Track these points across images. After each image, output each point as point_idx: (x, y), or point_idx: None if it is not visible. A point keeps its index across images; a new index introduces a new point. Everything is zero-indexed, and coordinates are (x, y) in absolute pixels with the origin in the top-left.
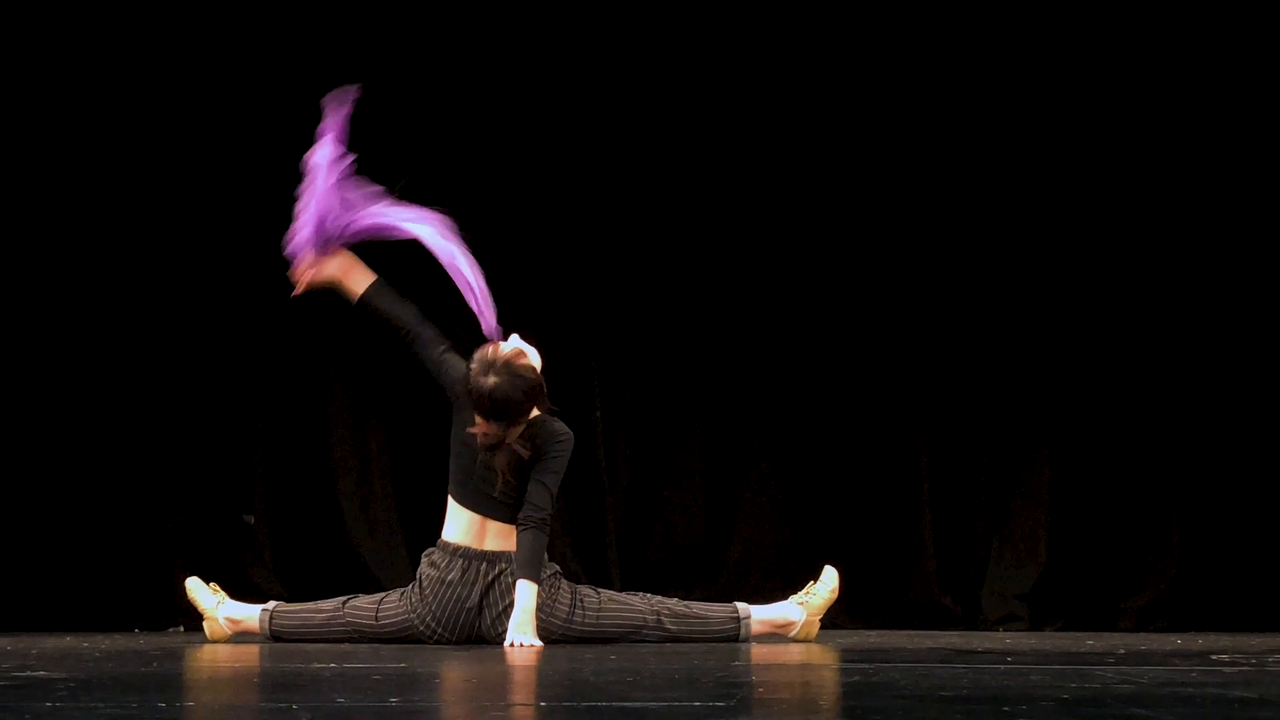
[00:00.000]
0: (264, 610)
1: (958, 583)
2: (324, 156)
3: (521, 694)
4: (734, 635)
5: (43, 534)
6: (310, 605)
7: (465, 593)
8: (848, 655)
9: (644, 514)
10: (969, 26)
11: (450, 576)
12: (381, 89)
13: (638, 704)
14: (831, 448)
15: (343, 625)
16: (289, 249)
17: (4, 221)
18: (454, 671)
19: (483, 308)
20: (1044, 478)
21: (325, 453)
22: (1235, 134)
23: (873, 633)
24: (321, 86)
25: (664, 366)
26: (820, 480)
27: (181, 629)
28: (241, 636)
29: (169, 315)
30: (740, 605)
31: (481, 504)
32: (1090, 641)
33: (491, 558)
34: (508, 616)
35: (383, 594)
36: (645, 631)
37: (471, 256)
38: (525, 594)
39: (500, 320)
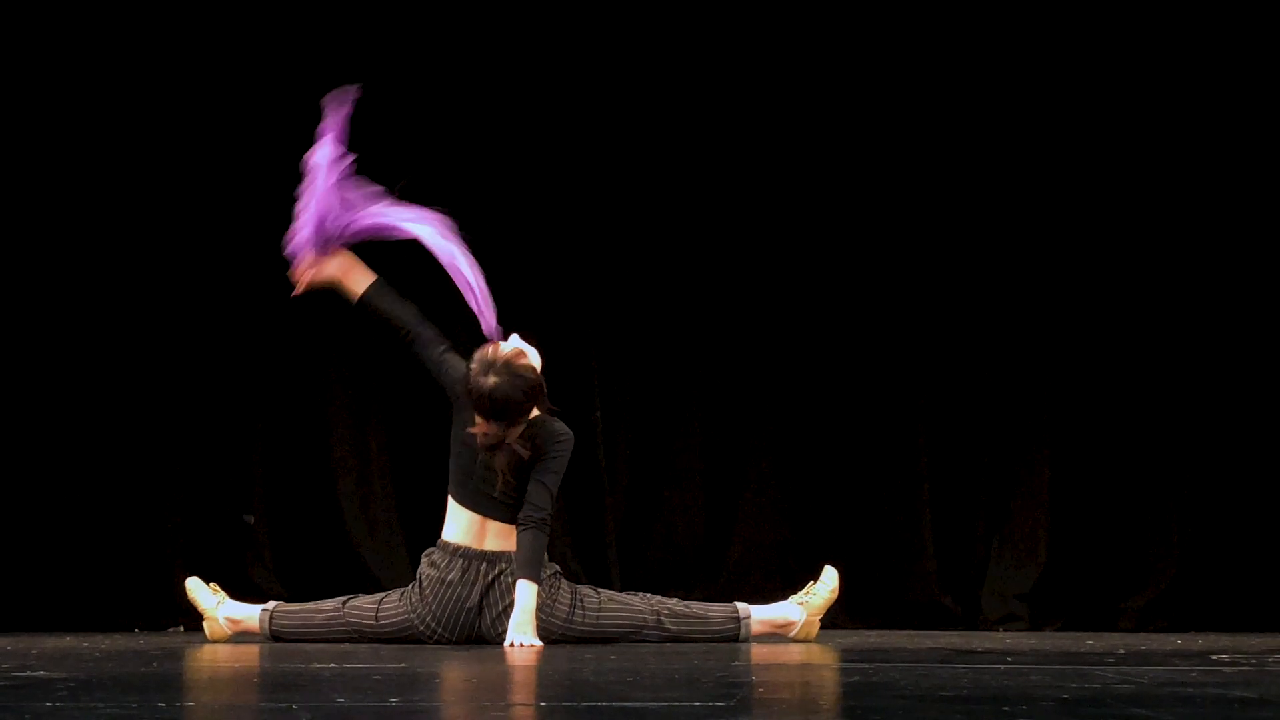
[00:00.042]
0: (264, 610)
1: (958, 583)
2: (324, 157)
3: (521, 694)
4: (734, 635)
5: (43, 534)
6: (310, 605)
7: (465, 593)
8: (848, 655)
9: (644, 514)
10: (969, 26)
11: (450, 577)
12: (382, 89)
13: (638, 704)
14: (832, 448)
15: (343, 625)
16: (289, 249)
17: (5, 222)
18: (454, 671)
19: (483, 307)
20: (1044, 478)
21: (325, 453)
22: (1235, 134)
23: (873, 633)
24: (322, 86)
25: (664, 366)
26: (820, 480)
27: (181, 629)
28: (241, 636)
29: (169, 315)
30: (740, 605)
31: (481, 504)
32: (1090, 641)
33: (491, 558)
34: (508, 616)
35: (383, 594)
36: (645, 631)
37: (471, 256)
38: (525, 594)
39: (500, 320)
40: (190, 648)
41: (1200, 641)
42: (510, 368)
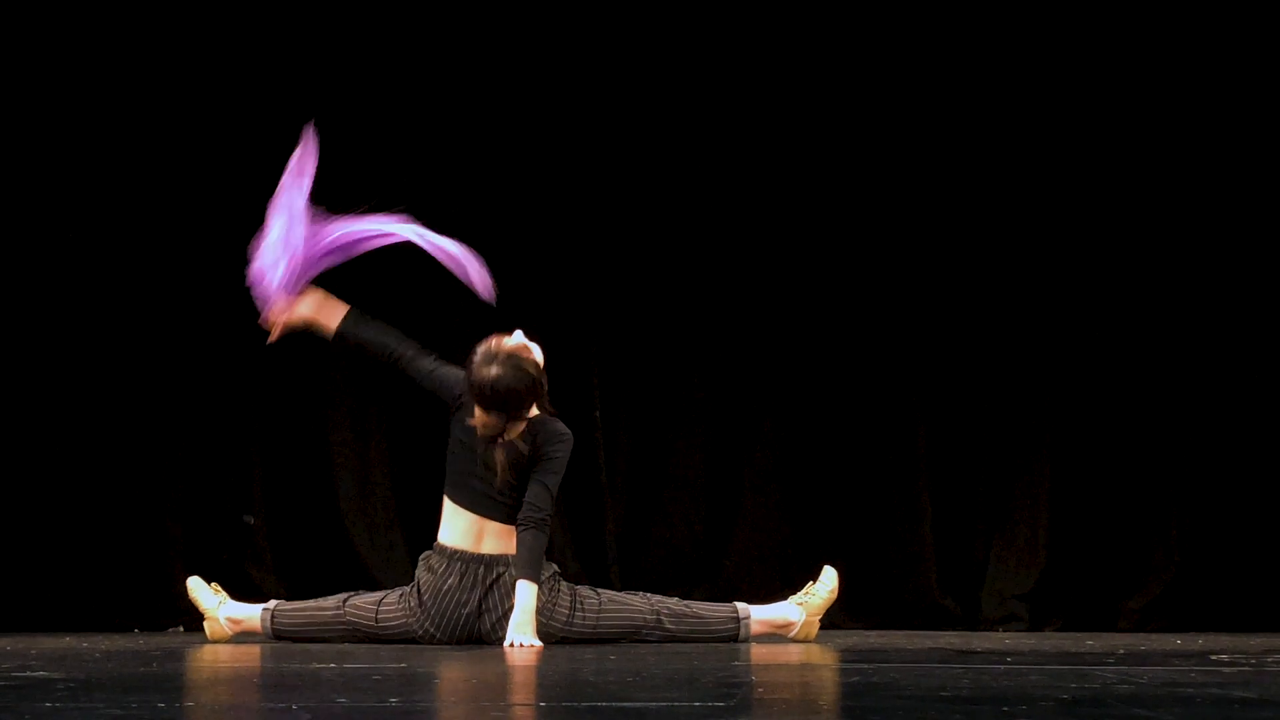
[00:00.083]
0: (264, 610)
1: (958, 583)
2: (290, 204)
3: (521, 694)
4: (734, 635)
5: (43, 534)
6: (311, 604)
7: (464, 597)
8: (847, 655)
9: (644, 514)
10: (971, 26)
11: (449, 582)
12: (382, 89)
13: (638, 704)
14: (832, 448)
15: (343, 624)
16: (257, 295)
17: (7, 223)
18: (454, 671)
19: (474, 279)
20: (1044, 478)
21: (325, 453)
22: (1235, 134)
23: (873, 633)
24: (323, 88)
25: (664, 366)
26: (820, 480)
27: (181, 629)
28: (242, 636)
29: (169, 315)
30: (740, 605)
31: (480, 504)
32: (1090, 642)
33: (489, 561)
34: (508, 620)
35: (383, 593)
36: (645, 632)
37: (445, 236)
38: (525, 594)
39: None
40: (190, 648)
41: (1200, 641)
42: (513, 360)
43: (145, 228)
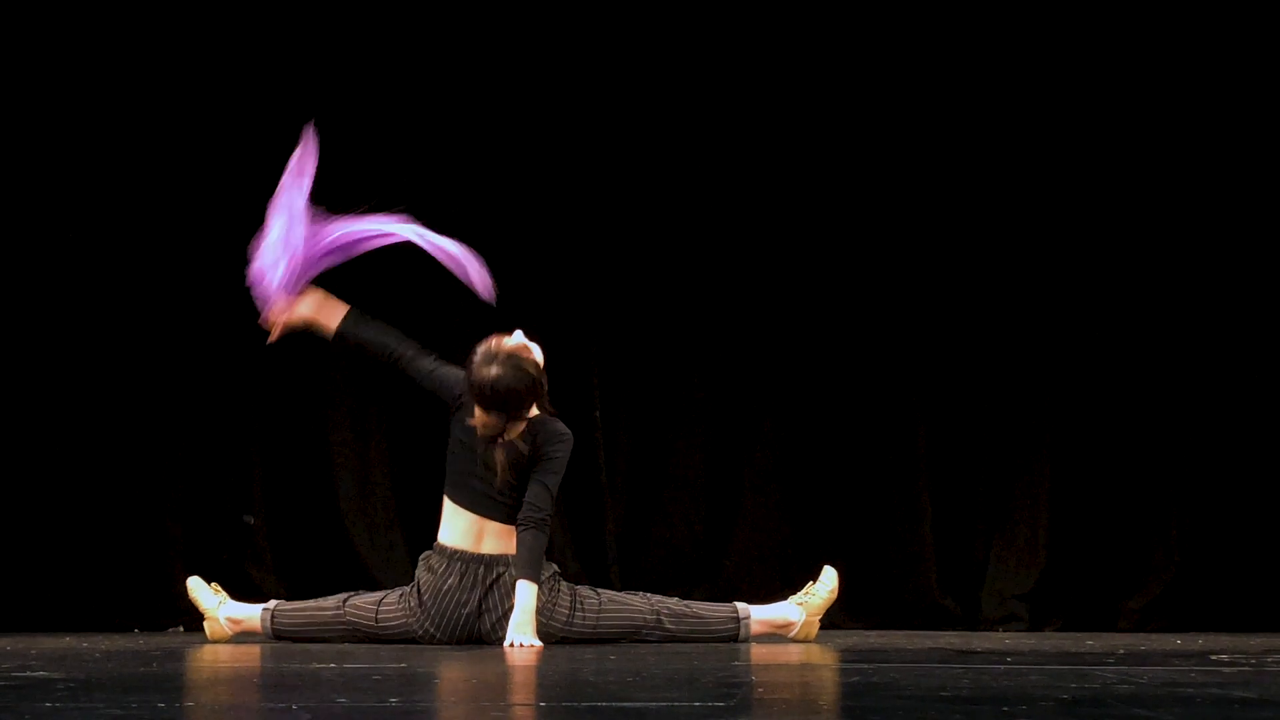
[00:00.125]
0: (264, 610)
1: (958, 583)
2: (291, 205)
3: (521, 694)
4: (734, 635)
5: (42, 534)
6: (311, 604)
7: (464, 597)
8: (847, 655)
9: (644, 514)
10: (971, 26)
11: (448, 582)
12: (382, 89)
13: (638, 704)
14: (832, 448)
15: (344, 624)
16: (257, 295)
17: (7, 223)
18: (454, 671)
19: (473, 278)
20: (1044, 478)
21: (325, 453)
22: (1235, 134)
23: (873, 633)
24: (323, 88)
25: (664, 366)
26: (821, 480)
27: (181, 629)
28: (242, 636)
29: (169, 315)
30: (740, 605)
31: (480, 504)
32: (1090, 642)
33: (489, 561)
34: (508, 620)
35: (383, 593)
36: (645, 632)
37: (445, 236)
38: (525, 594)
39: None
40: (190, 648)
41: (1200, 641)
42: (513, 360)
43: (145, 228)
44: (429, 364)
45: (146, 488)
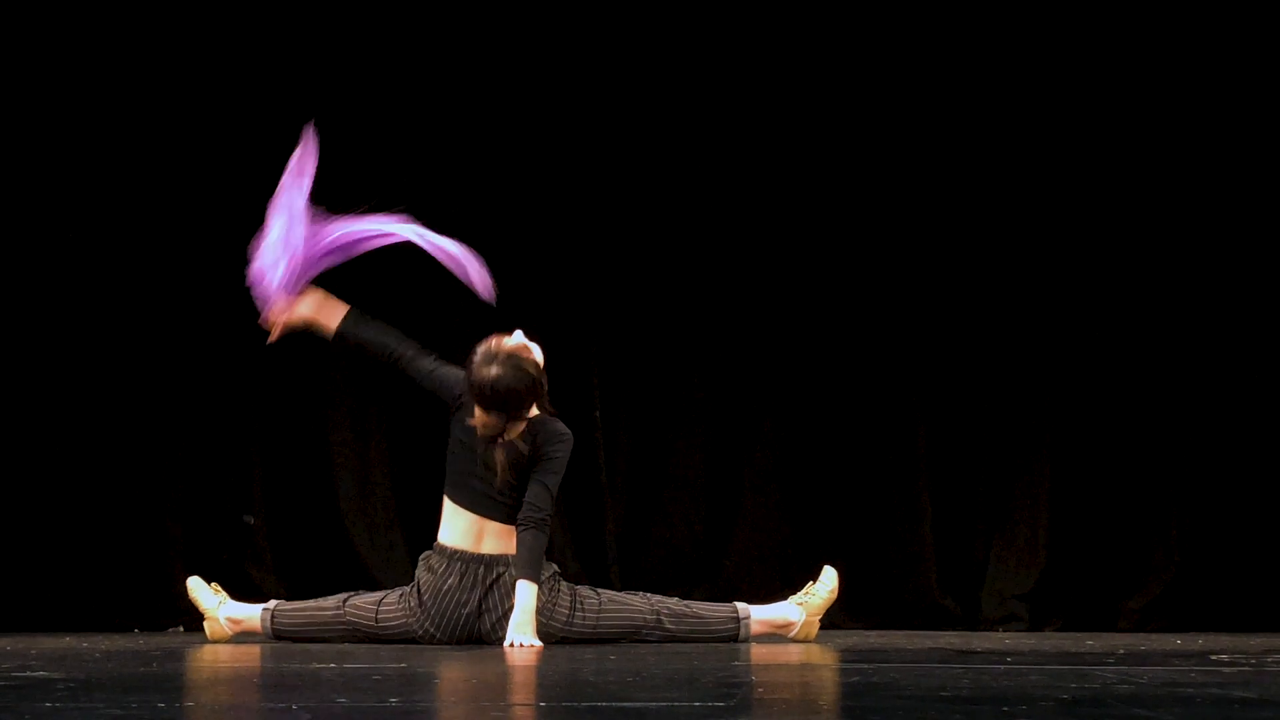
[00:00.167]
0: (264, 610)
1: (958, 583)
2: (291, 205)
3: (521, 694)
4: (733, 635)
5: (42, 534)
6: (311, 603)
7: (464, 597)
8: (847, 655)
9: (644, 514)
10: (971, 26)
11: (448, 583)
12: (383, 89)
13: (638, 704)
14: (832, 448)
15: (344, 624)
16: (257, 295)
17: (7, 224)
18: (454, 671)
19: (473, 278)
20: (1044, 478)
21: (325, 452)
22: (1235, 134)
23: (873, 633)
24: (323, 88)
25: (664, 366)
26: (821, 480)
27: (181, 629)
28: (242, 636)
29: (169, 316)
30: (740, 605)
31: (480, 504)
32: (1090, 641)
33: (489, 561)
34: (508, 620)
35: (383, 593)
36: (645, 632)
37: (445, 236)
38: (525, 594)
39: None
40: (190, 648)
41: (1200, 641)
42: (514, 360)
43: (145, 228)
44: (429, 364)
45: (146, 488)
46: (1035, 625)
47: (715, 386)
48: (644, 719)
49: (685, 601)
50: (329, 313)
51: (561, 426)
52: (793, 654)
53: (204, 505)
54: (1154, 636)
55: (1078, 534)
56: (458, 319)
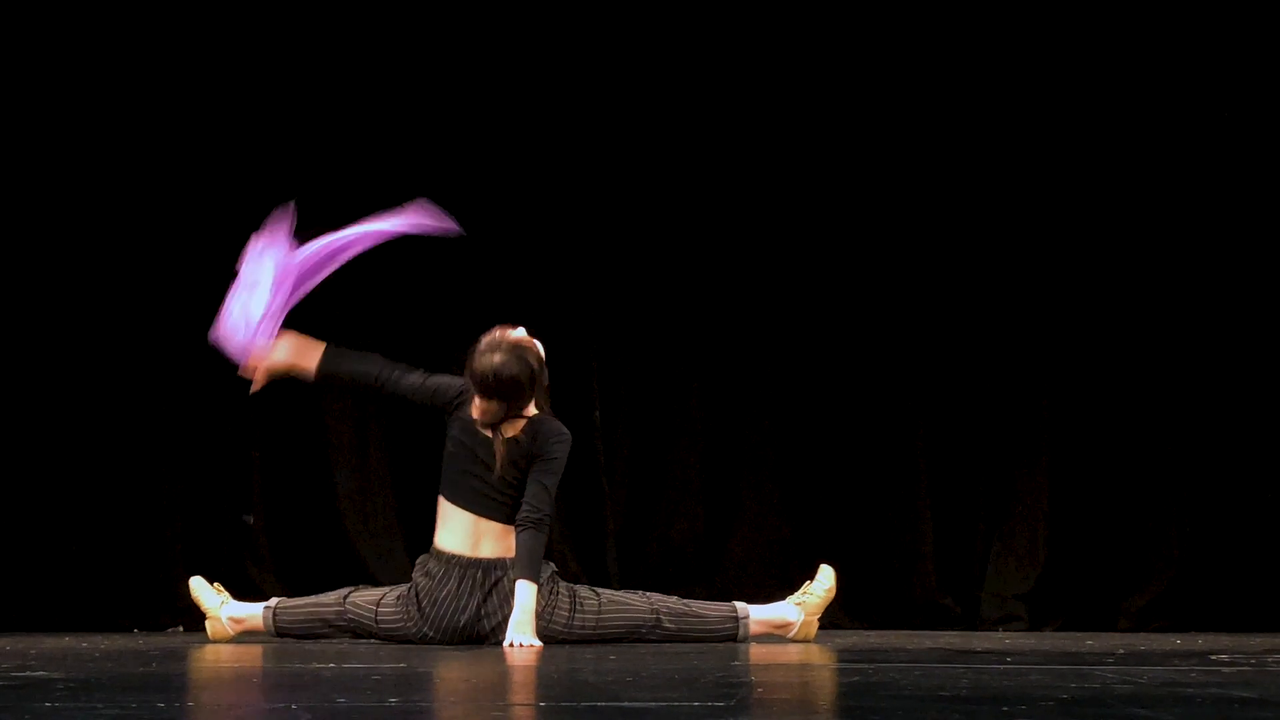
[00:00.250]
0: (266, 608)
1: (957, 583)
2: (256, 273)
3: (521, 694)
4: (732, 635)
5: (42, 534)
6: (312, 599)
7: (462, 604)
8: (847, 655)
9: (643, 514)
10: (969, 26)
11: (446, 589)
12: (384, 89)
13: (638, 704)
14: (832, 448)
15: (346, 620)
16: (234, 351)
17: (9, 223)
18: (453, 671)
19: (433, 225)
20: (1043, 478)
21: (324, 452)
22: (1235, 135)
23: (872, 633)
24: (323, 87)
25: (664, 367)
26: (820, 480)
27: (181, 629)
28: (243, 636)
29: (169, 316)
30: (739, 605)
31: (477, 502)
32: (1090, 642)
33: (487, 566)
34: (508, 625)
35: (382, 592)
36: (645, 631)
37: (387, 216)
38: (525, 594)
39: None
40: (191, 648)
41: (1200, 641)
42: (517, 349)
43: (146, 229)
44: (417, 378)
45: (146, 487)
46: (1035, 625)
47: (715, 387)
48: (644, 719)
49: (685, 600)
50: (306, 354)
51: (560, 426)
52: (792, 654)
53: (204, 505)
54: (1154, 636)
55: (1077, 534)
56: (460, 318)
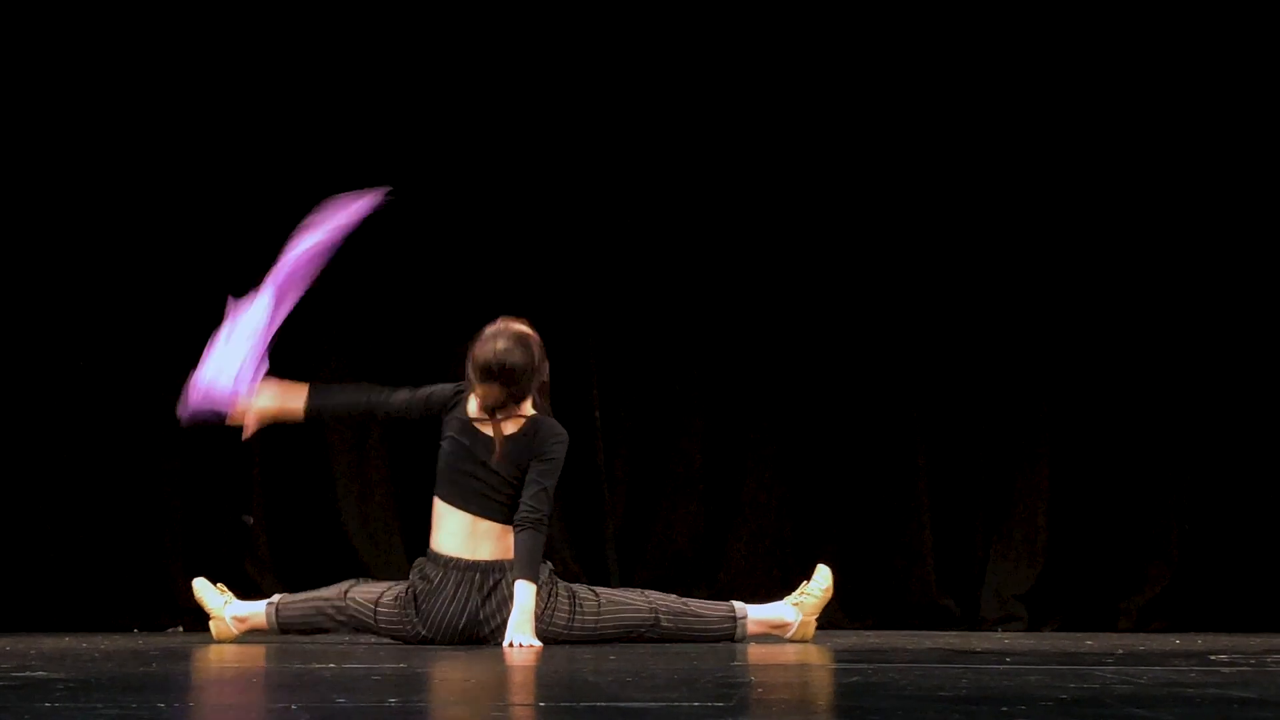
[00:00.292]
0: (269, 604)
1: (957, 583)
2: (246, 320)
3: (521, 694)
4: (730, 634)
5: (42, 534)
6: (313, 594)
7: (460, 607)
8: (846, 656)
9: (643, 514)
10: (969, 26)
11: (444, 593)
12: (383, 87)
13: (638, 704)
14: (831, 448)
15: (346, 615)
16: (217, 404)
17: (10, 222)
18: (453, 671)
19: (363, 207)
20: (1043, 478)
21: (325, 453)
22: (1235, 134)
23: (871, 633)
24: (323, 87)
25: (664, 367)
26: (820, 480)
27: (181, 629)
28: (245, 636)
29: (169, 314)
30: (737, 604)
31: (474, 501)
32: (1089, 642)
33: (485, 568)
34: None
35: (381, 589)
36: (644, 630)
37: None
38: (524, 594)
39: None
40: (192, 648)
41: (1200, 641)
42: (519, 337)
43: (146, 230)
44: (406, 393)
45: (147, 488)
46: (1034, 625)
47: (714, 387)
48: (644, 719)
49: (683, 599)
50: (291, 397)
51: (559, 427)
52: (791, 654)
53: (204, 505)
54: (1153, 637)
55: (1077, 534)
56: (458, 320)
